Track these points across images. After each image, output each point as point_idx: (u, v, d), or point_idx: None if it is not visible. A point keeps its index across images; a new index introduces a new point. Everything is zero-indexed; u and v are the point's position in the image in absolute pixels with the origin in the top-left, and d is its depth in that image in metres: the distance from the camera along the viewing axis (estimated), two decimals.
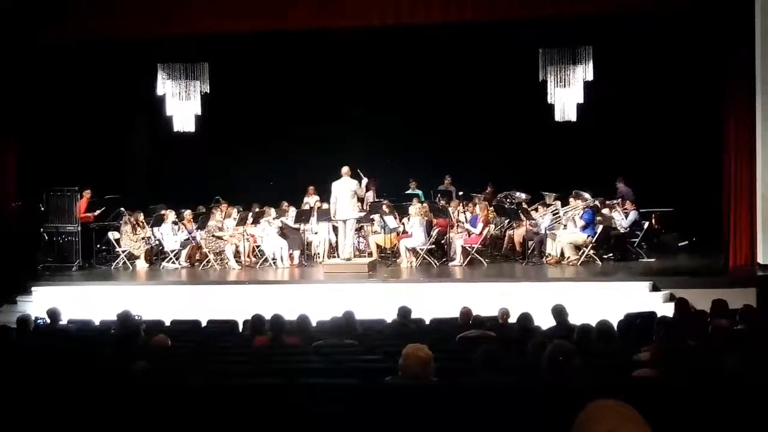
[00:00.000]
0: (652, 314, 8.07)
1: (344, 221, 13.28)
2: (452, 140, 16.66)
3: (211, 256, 14.27)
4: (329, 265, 13.31)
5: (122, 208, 14.94)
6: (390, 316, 9.02)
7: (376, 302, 10.68)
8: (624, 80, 14.83)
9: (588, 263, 13.15)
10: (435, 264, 13.72)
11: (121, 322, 8.25)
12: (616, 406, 2.24)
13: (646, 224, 14.05)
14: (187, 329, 9.05)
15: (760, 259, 11.72)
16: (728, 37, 11.96)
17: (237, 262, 14.20)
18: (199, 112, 14.86)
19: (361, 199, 13.91)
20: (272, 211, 14.57)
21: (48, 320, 9.32)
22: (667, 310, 9.26)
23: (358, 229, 14.57)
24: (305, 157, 16.33)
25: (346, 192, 13.17)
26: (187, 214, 14.78)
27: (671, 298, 10.65)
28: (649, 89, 15.06)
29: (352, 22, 12.86)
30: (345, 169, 13.28)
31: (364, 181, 13.92)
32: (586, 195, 13.91)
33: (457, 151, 16.62)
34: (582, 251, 13.18)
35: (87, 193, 14.93)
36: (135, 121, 17.30)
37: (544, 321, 7.97)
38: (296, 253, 14.30)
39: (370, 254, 14.29)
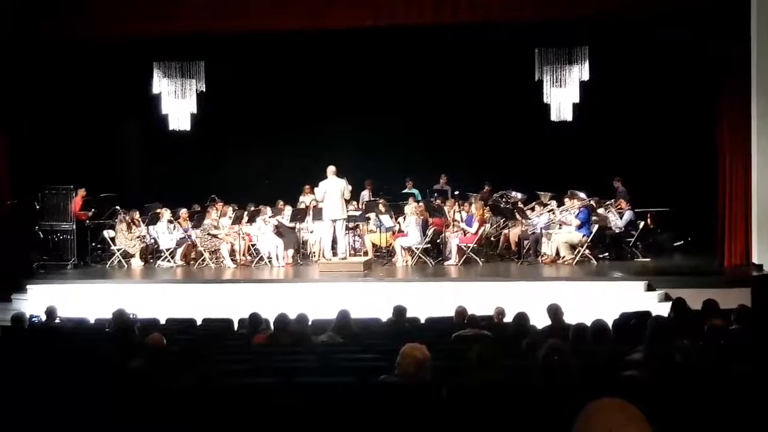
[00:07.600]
0: (647, 314, 8.08)
1: (334, 221, 13.25)
2: (448, 140, 16.67)
3: (206, 255, 14.25)
4: (324, 264, 13.27)
5: (117, 207, 14.91)
6: (385, 315, 9.02)
7: (371, 301, 10.68)
8: (620, 80, 14.84)
9: (583, 263, 13.16)
10: (430, 263, 13.71)
11: (115, 320, 8.25)
12: (618, 405, 2.21)
13: (642, 224, 14.06)
14: (182, 328, 9.05)
15: (755, 259, 11.75)
16: (724, 38, 11.98)
17: (232, 260, 14.19)
18: (195, 111, 14.86)
19: (347, 200, 13.81)
20: (268, 210, 14.57)
21: (44, 318, 9.30)
22: (663, 309, 9.28)
23: (354, 228, 14.56)
24: (301, 155, 16.30)
25: (336, 191, 13.12)
26: (183, 212, 14.77)
27: (666, 297, 10.68)
28: (644, 89, 15.05)
29: (347, 23, 12.88)
30: (331, 169, 13.17)
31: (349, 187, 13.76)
32: (582, 194, 13.93)
33: (453, 151, 16.63)
34: (577, 251, 13.19)
35: (82, 192, 14.92)
36: (130, 120, 17.24)
37: (539, 320, 7.99)
38: (291, 252, 14.29)
39: (366, 253, 14.30)
